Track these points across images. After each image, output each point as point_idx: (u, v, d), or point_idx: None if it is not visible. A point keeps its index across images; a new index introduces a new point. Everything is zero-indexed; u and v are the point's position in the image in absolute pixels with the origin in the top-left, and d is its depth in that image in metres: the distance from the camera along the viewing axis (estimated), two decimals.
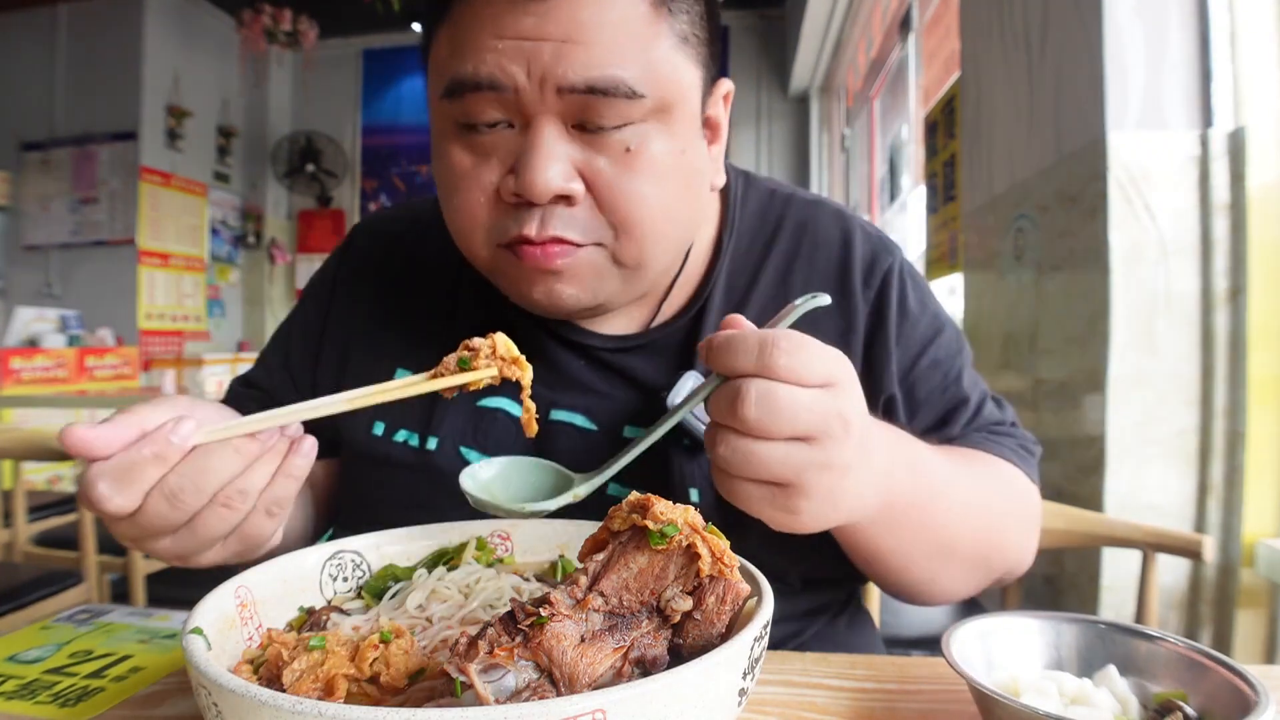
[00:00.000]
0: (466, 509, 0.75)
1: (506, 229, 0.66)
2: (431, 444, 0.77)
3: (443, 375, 0.57)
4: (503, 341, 0.59)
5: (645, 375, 0.77)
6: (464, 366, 0.57)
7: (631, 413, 0.76)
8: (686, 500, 0.71)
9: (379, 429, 0.80)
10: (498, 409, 0.78)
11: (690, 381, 0.71)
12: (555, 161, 0.62)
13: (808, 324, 0.79)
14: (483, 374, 0.57)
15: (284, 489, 0.55)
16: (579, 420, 0.77)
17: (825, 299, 0.59)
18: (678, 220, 0.69)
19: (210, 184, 6.19)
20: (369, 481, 0.81)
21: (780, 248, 0.81)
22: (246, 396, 0.89)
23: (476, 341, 0.59)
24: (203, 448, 0.52)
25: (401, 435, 0.79)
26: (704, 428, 0.69)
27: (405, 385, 0.56)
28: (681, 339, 0.78)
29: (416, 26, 6.42)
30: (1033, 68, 1.89)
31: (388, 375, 0.80)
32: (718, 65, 0.71)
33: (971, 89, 2.35)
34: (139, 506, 0.52)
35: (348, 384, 0.82)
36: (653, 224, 0.66)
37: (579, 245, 0.66)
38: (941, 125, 2.69)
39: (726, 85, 0.73)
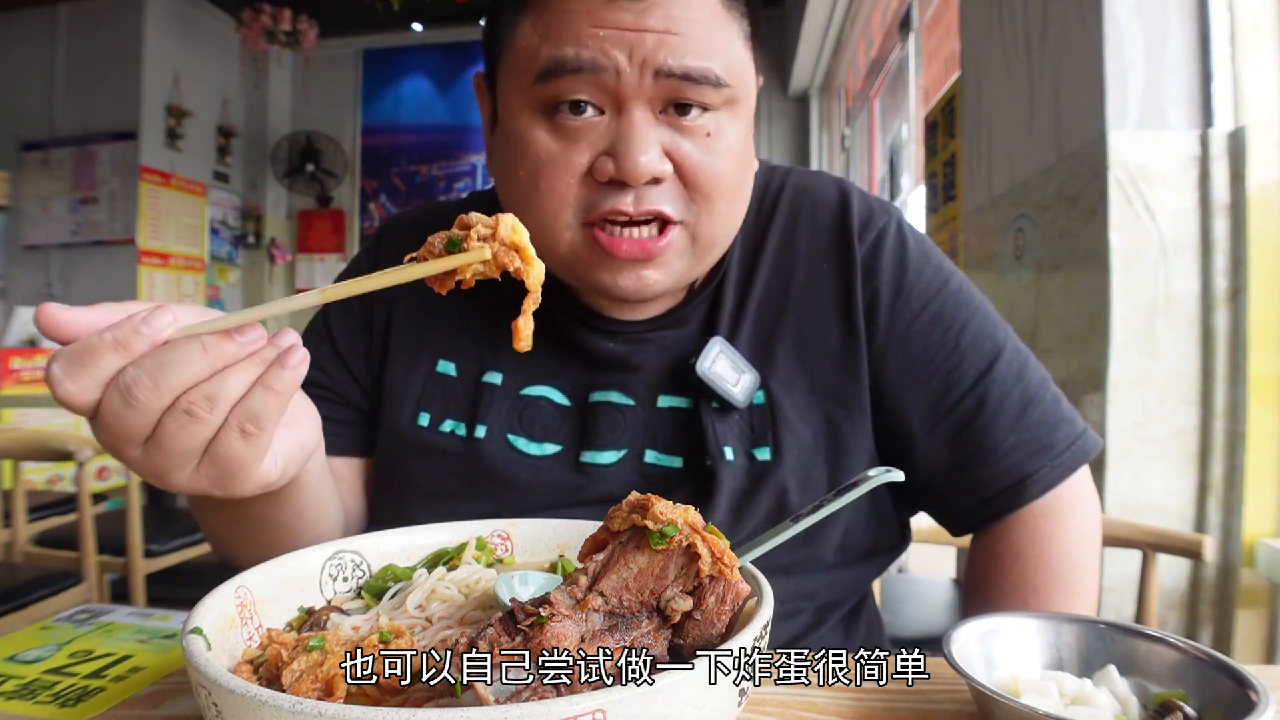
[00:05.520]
0: (515, 495, 0.77)
1: (596, 205, 0.70)
2: (480, 432, 0.79)
3: (427, 259, 0.48)
4: (507, 223, 0.48)
5: (674, 345, 0.81)
6: (453, 248, 0.48)
7: (664, 382, 0.80)
8: (722, 458, 0.74)
9: (424, 420, 0.81)
10: (542, 397, 0.80)
11: (717, 347, 0.76)
12: (652, 145, 0.68)
13: (814, 282, 0.80)
14: (471, 257, 0.47)
15: (262, 404, 0.48)
16: (615, 397, 0.80)
17: (899, 474, 0.56)
18: (741, 198, 0.76)
19: (210, 184, 6.18)
20: (414, 473, 0.81)
21: (784, 210, 0.84)
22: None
23: (473, 217, 0.49)
24: (170, 342, 0.46)
25: (448, 425, 0.81)
26: (732, 390, 0.75)
27: (383, 275, 0.47)
28: (705, 309, 0.83)
29: (417, 26, 6.42)
30: (1033, 68, 1.89)
31: (430, 368, 0.83)
32: (759, 59, 0.77)
33: (971, 89, 2.35)
34: (98, 401, 0.47)
35: (390, 379, 0.83)
36: (728, 201, 0.73)
37: (668, 222, 0.70)
38: (941, 125, 2.68)
39: (759, 79, 0.79)
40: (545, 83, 0.67)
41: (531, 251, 0.49)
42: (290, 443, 0.57)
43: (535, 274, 0.49)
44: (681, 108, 0.68)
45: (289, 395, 0.50)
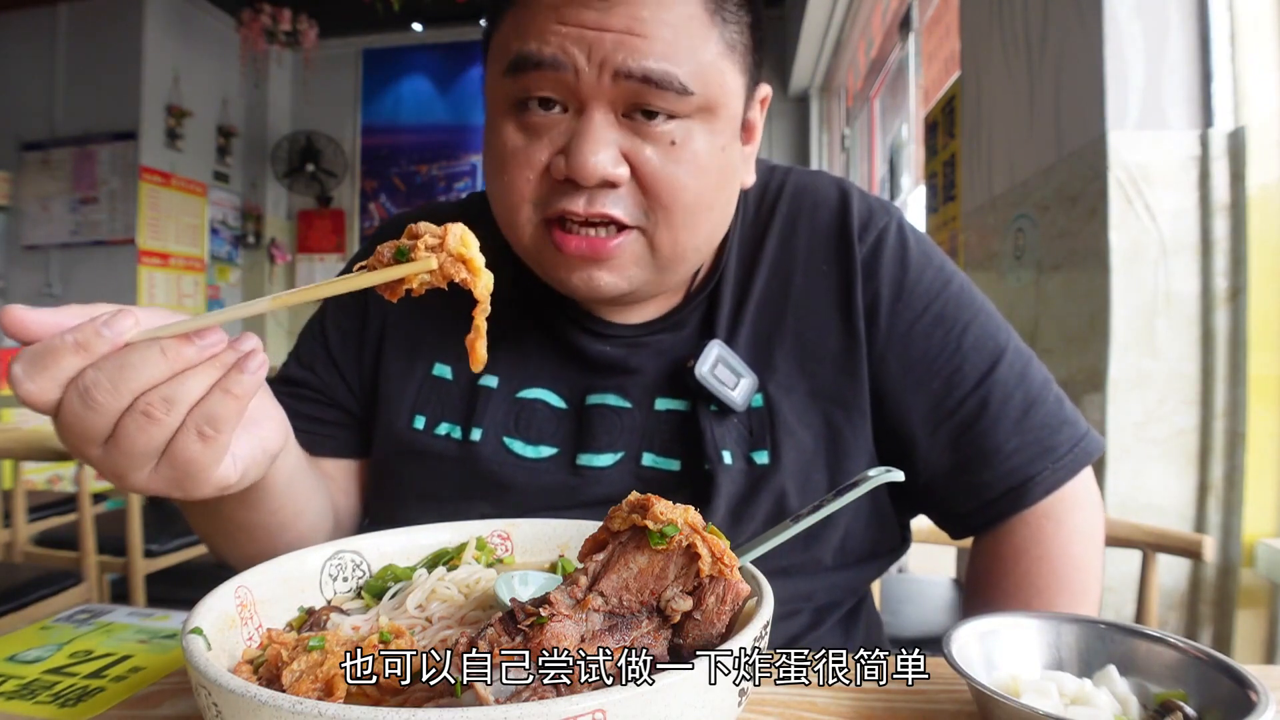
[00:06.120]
0: (511, 498, 0.77)
1: (550, 203, 0.69)
2: (475, 435, 0.79)
3: (376, 267, 0.49)
4: (455, 234, 0.49)
5: (671, 348, 0.80)
6: (401, 258, 0.48)
7: (661, 385, 0.79)
8: (720, 461, 0.74)
9: (420, 423, 0.81)
10: (537, 399, 0.80)
11: (715, 349, 0.75)
12: (606, 147, 0.66)
13: (814, 283, 0.80)
14: (417, 267, 0.48)
15: (220, 407, 0.49)
16: (611, 400, 0.79)
17: (898, 474, 0.56)
18: (712, 213, 0.73)
19: (210, 184, 6.18)
20: (409, 475, 0.81)
21: (783, 211, 0.84)
22: (295, 397, 0.85)
23: (422, 227, 0.49)
24: (130, 345, 0.47)
25: (444, 428, 0.80)
26: (730, 393, 0.74)
27: (333, 284, 0.48)
28: (703, 311, 0.82)
29: (417, 26, 6.43)
30: (1033, 68, 1.89)
31: (425, 372, 0.83)
32: (760, 72, 0.75)
33: (971, 89, 2.35)
34: (59, 401, 0.48)
35: (385, 382, 0.84)
36: (690, 213, 0.70)
37: (623, 227, 0.69)
38: (941, 125, 2.68)
39: (765, 90, 0.78)
40: (513, 78, 0.68)
41: (479, 262, 0.49)
42: (251, 445, 0.57)
43: (483, 284, 0.50)
44: (647, 113, 0.67)
45: (247, 399, 0.50)
